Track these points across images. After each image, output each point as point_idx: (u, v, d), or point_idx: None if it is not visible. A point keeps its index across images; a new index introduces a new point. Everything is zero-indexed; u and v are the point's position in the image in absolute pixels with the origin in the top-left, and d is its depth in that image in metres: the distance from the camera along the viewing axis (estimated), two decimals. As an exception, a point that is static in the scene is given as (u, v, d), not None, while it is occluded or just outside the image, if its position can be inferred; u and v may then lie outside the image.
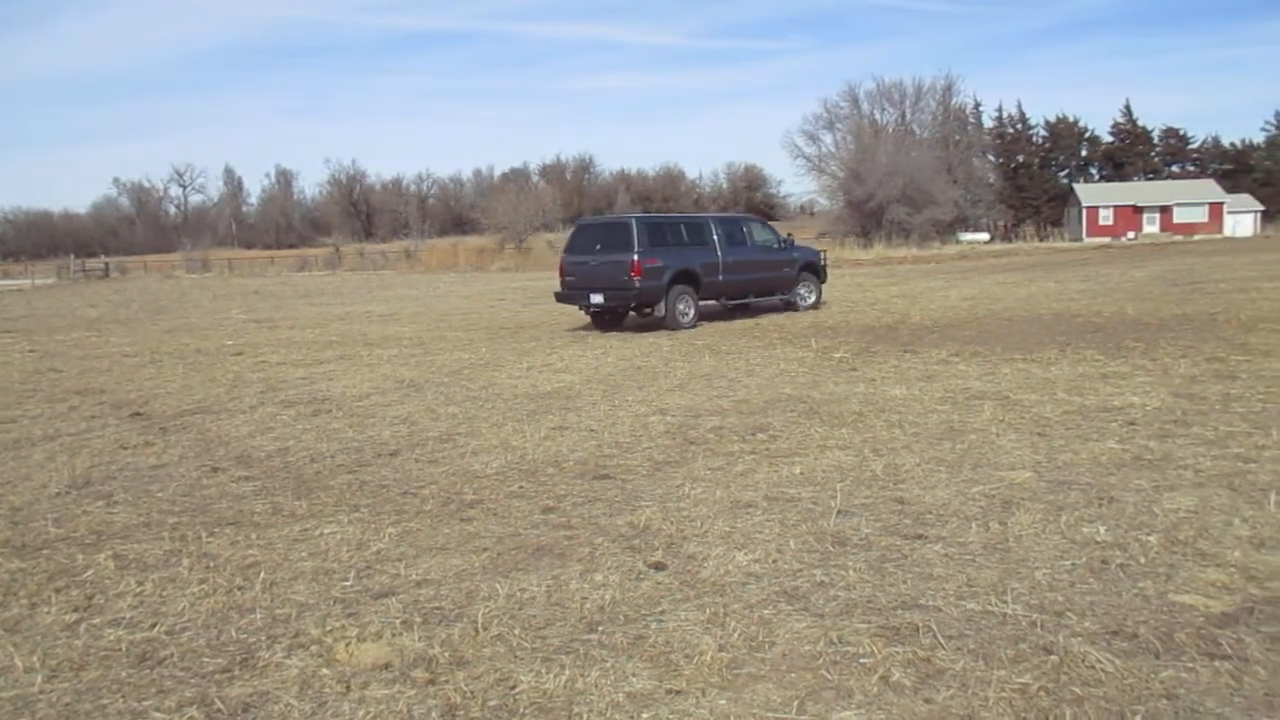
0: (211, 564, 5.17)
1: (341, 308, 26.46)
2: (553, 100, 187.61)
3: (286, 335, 18.67)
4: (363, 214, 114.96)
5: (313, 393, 11.08)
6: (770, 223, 22.21)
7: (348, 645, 4.04)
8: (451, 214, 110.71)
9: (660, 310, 17.35)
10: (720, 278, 18.23)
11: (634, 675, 3.68)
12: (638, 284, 16.90)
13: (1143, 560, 4.64)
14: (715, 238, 18.33)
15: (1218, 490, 5.69)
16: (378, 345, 16.16)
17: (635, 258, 16.79)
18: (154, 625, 4.35)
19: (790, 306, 19.90)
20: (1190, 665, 3.57)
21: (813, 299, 20.19)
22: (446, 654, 3.93)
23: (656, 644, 3.94)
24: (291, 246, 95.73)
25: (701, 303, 18.12)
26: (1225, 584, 4.31)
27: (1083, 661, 3.61)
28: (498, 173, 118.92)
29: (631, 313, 18.20)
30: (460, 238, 78.15)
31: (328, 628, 4.23)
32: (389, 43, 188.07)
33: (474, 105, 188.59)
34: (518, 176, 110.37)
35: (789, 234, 21.53)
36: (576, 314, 20.94)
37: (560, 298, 18.51)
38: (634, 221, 17.64)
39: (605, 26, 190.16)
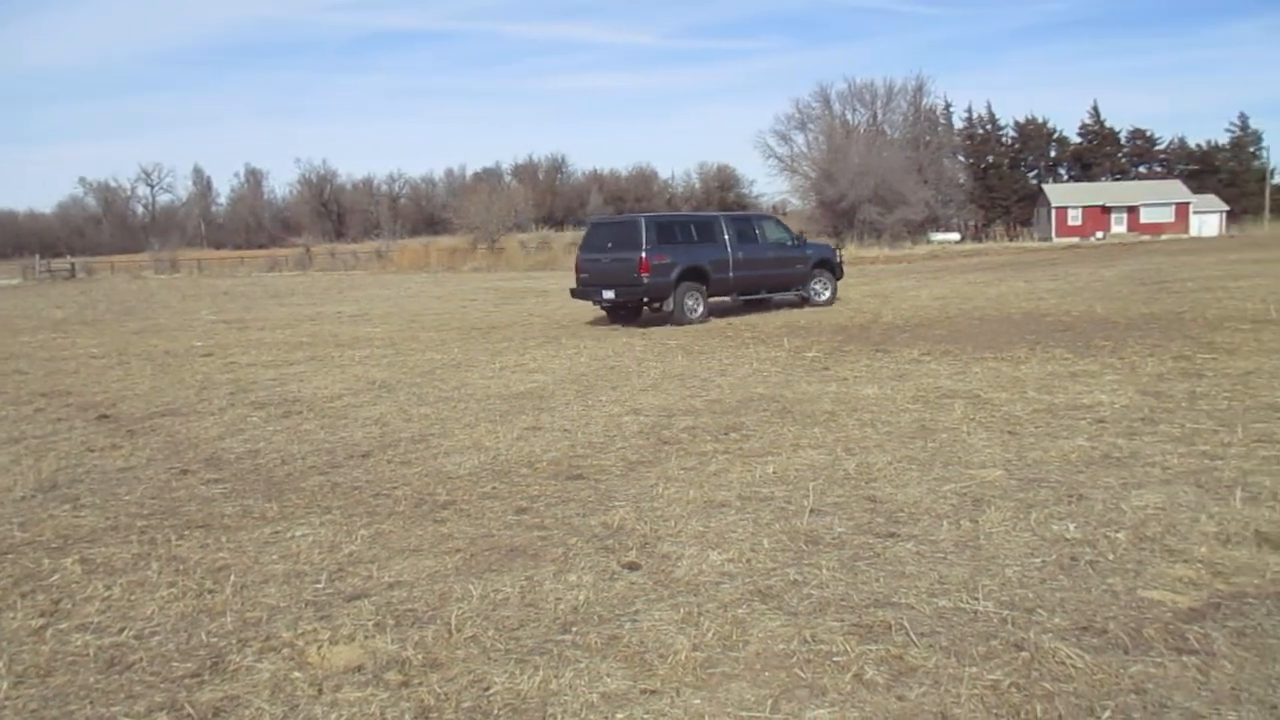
0: (181, 567, 5.12)
1: (312, 308, 26.28)
2: (525, 100, 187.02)
3: (256, 336, 18.51)
4: (333, 214, 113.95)
5: (283, 394, 11.00)
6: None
7: (320, 648, 4.01)
8: (423, 214, 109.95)
9: (669, 305, 17.88)
10: (731, 274, 18.79)
11: (608, 675, 3.68)
12: (646, 280, 17.51)
13: (1111, 557, 4.69)
14: (726, 235, 18.85)
15: (1185, 487, 5.76)
16: (349, 346, 16.06)
17: (644, 255, 17.41)
18: (122, 630, 4.30)
19: (806, 302, 20.38)
20: (1159, 660, 3.61)
21: (828, 294, 20.68)
22: (420, 656, 3.91)
23: (631, 644, 3.94)
24: (261, 247, 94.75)
25: (715, 299, 18.78)
26: (1192, 580, 4.36)
27: (1053, 657, 3.64)
28: (469, 172, 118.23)
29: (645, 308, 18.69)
30: (432, 238, 77.71)
31: (299, 631, 4.20)
32: (361, 41, 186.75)
33: (446, 105, 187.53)
34: (490, 176, 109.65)
35: (802, 232, 21.90)
36: (549, 314, 21.03)
37: (575, 294, 19.12)
38: (643, 221, 18.21)
39: (578, 26, 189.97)
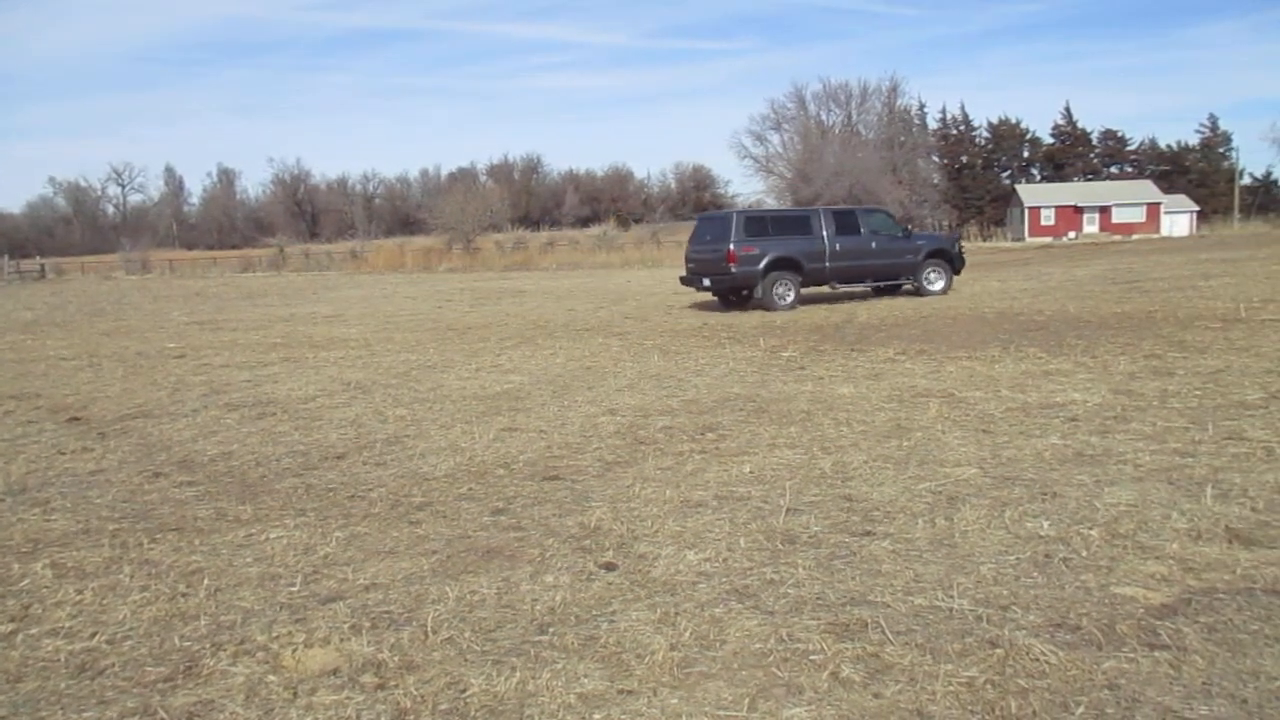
0: (153, 571, 5.07)
1: (286, 309, 26.10)
2: (500, 99, 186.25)
3: (230, 337, 18.37)
4: (307, 214, 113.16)
5: (257, 395, 10.92)
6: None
7: (295, 651, 3.98)
8: (398, 214, 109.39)
9: (759, 293, 19.53)
10: (828, 264, 20.20)
11: (585, 676, 3.67)
12: (733, 270, 19.41)
13: (1085, 554, 4.72)
14: (824, 229, 20.23)
15: (1156, 484, 5.81)
16: (323, 347, 15.96)
17: (731, 247, 19.34)
18: (94, 634, 4.26)
19: (919, 291, 21.14)
20: (1131, 656, 3.64)
21: (942, 284, 21.36)
22: (396, 658, 3.89)
23: (608, 644, 3.94)
24: (234, 247, 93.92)
25: (814, 288, 20.61)
26: (1164, 576, 4.40)
27: (1028, 654, 3.67)
28: (445, 172, 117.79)
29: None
30: (407, 238, 77.37)
31: (274, 634, 4.17)
32: (334, 40, 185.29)
33: (421, 104, 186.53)
34: (465, 176, 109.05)
35: (911, 224, 22.57)
36: (525, 314, 21.02)
37: (683, 281, 21.49)
38: (734, 215, 20.56)
39: (554, 26, 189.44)
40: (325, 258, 62.64)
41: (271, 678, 3.77)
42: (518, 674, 3.70)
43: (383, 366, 13.08)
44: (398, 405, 9.92)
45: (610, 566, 4.86)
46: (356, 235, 79.23)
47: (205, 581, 4.86)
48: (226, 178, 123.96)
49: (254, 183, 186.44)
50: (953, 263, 21.72)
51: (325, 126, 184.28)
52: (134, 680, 3.80)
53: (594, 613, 4.29)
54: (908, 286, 21.47)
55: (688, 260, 21.29)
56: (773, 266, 19.48)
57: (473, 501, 6.19)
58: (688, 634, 4.00)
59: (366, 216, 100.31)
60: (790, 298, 19.65)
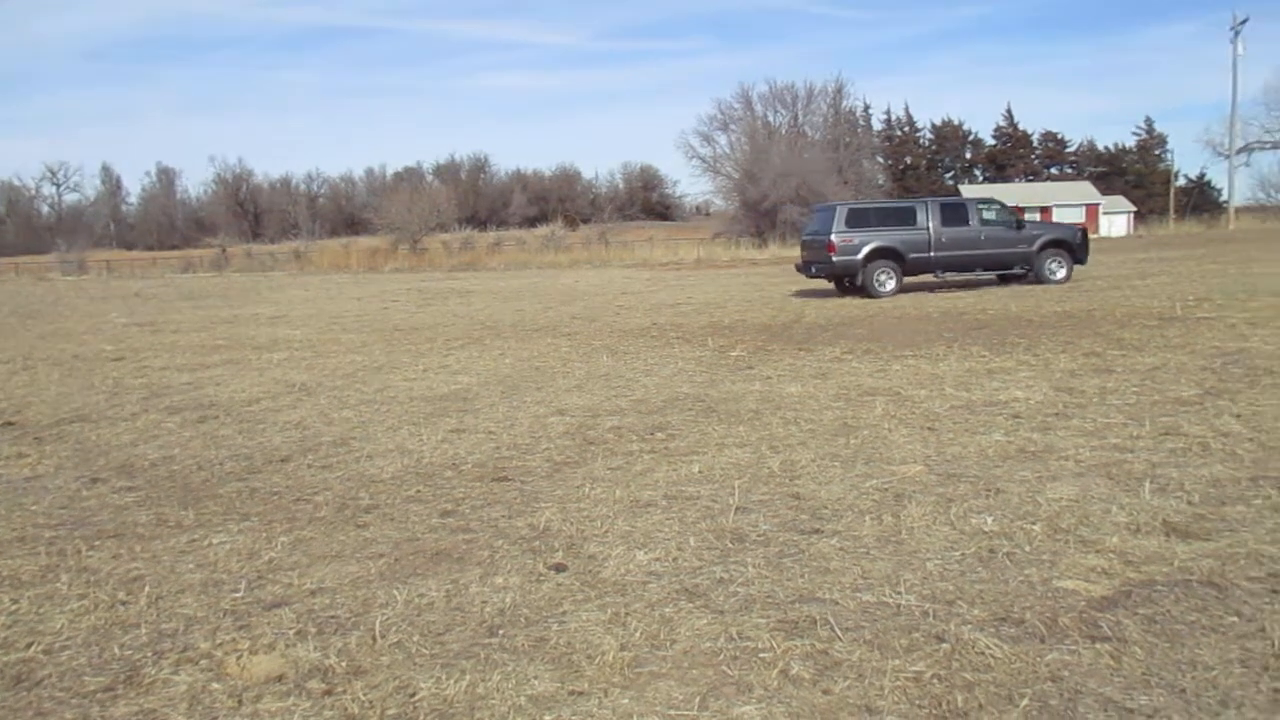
0: (92, 579, 4.96)
1: (229, 310, 25.68)
2: (447, 99, 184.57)
3: (170, 339, 18.03)
4: (250, 214, 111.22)
5: (199, 398, 10.73)
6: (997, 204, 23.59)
7: (239, 658, 3.91)
8: (343, 214, 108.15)
9: (860, 280, 20.78)
10: (932, 254, 21.09)
11: (536, 678, 3.66)
12: (833, 259, 20.86)
13: (1028, 548, 4.80)
14: (929, 220, 21.08)
15: (1097, 479, 5.93)
16: (267, 348, 15.73)
17: (832, 237, 20.78)
18: (30, 645, 4.15)
19: (1038, 280, 21.43)
20: (1073, 648, 3.70)
21: (1063, 273, 21.65)
22: (343, 664, 3.85)
23: (558, 645, 3.93)
24: (175, 247, 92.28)
25: (920, 276, 21.65)
26: (1105, 569, 4.49)
27: (973, 648, 3.72)
28: (390, 172, 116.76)
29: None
30: (352, 238, 76.50)
31: (217, 641, 4.10)
32: (278, 38, 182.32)
33: (367, 103, 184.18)
34: (411, 176, 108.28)
35: (1022, 214, 23.73)
36: (473, 314, 20.90)
37: (797, 268, 23.36)
38: (838, 207, 21.75)
39: (501, 25, 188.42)
40: (269, 258, 61.79)
41: (215, 686, 3.71)
42: (467, 677, 3.67)
43: (328, 368, 12.92)
44: (343, 407, 9.80)
45: (560, 567, 4.85)
46: (300, 235, 78.21)
47: (146, 589, 4.76)
48: (166, 177, 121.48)
49: (195, 182, 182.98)
50: (1074, 252, 21.94)
51: (268, 125, 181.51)
52: (73, 691, 3.71)
53: (544, 614, 4.27)
54: (1029, 276, 21.64)
55: (802, 249, 22.94)
56: (873, 256, 20.66)
57: (421, 504, 6.14)
58: (638, 634, 4.00)
59: (311, 216, 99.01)
60: (890, 285, 20.68)
